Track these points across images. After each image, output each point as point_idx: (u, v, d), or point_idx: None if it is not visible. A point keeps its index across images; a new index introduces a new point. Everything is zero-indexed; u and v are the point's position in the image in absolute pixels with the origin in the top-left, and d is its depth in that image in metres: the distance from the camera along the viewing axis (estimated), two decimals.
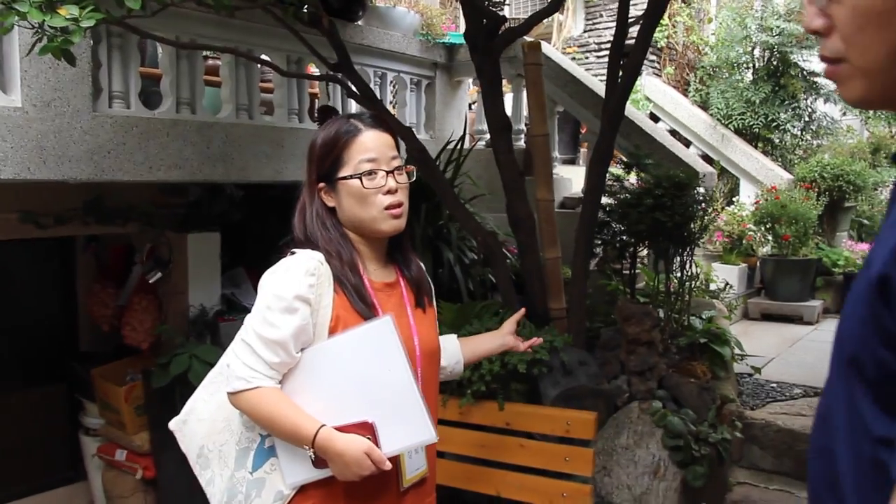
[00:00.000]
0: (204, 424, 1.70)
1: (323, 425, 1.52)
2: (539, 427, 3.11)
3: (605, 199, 4.03)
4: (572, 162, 8.18)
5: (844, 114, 8.96)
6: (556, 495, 2.96)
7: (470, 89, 6.92)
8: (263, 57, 4.28)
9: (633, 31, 3.72)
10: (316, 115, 4.00)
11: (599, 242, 4.20)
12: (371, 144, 1.63)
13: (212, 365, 3.72)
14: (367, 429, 1.54)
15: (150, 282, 4.16)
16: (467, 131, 5.49)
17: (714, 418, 3.56)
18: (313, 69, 5.35)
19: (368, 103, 3.80)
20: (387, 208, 1.62)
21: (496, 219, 4.45)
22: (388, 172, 1.63)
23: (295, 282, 1.53)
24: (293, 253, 1.60)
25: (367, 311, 1.60)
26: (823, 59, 0.85)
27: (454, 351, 1.99)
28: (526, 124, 6.09)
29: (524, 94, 6.11)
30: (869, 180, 7.48)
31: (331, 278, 1.58)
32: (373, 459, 1.51)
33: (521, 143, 5.88)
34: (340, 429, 1.53)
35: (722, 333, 4.00)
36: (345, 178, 1.61)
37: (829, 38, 0.82)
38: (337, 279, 1.59)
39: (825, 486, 0.89)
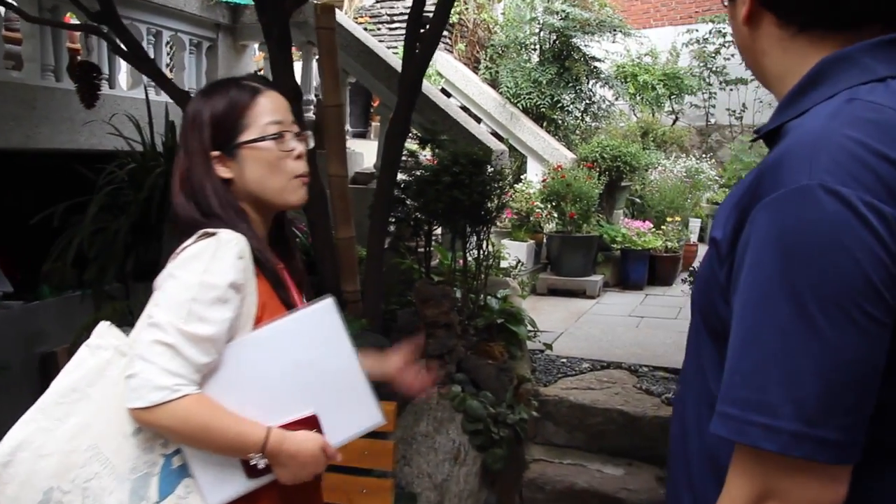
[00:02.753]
0: (51, 460, 1.35)
1: (270, 427, 1.36)
2: None
3: (399, 176, 3.87)
4: (363, 136, 7.98)
5: (617, 99, 9.47)
6: (355, 492, 2.75)
7: (256, 55, 6.47)
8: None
9: (430, 3, 3.58)
10: (75, 71, 3.45)
11: (393, 220, 4.03)
12: (273, 106, 1.47)
13: None
14: (311, 423, 1.41)
15: None
16: None
17: (512, 399, 3.53)
18: (73, 21, 4.70)
19: (138, 62, 3.34)
20: (297, 177, 1.47)
21: None
22: (295, 135, 1.48)
23: (227, 267, 1.33)
24: (208, 234, 1.36)
25: (287, 297, 1.46)
26: None
27: None
28: (316, 94, 5.79)
29: (314, 62, 5.82)
30: (642, 161, 7.95)
31: (252, 261, 1.39)
32: (327, 454, 1.41)
33: (311, 115, 5.57)
34: (286, 427, 1.39)
35: (517, 312, 3.99)
36: (251, 141, 1.43)
37: None
38: (258, 262, 1.40)
39: (678, 430, 1.05)
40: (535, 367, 4.42)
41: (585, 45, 8.61)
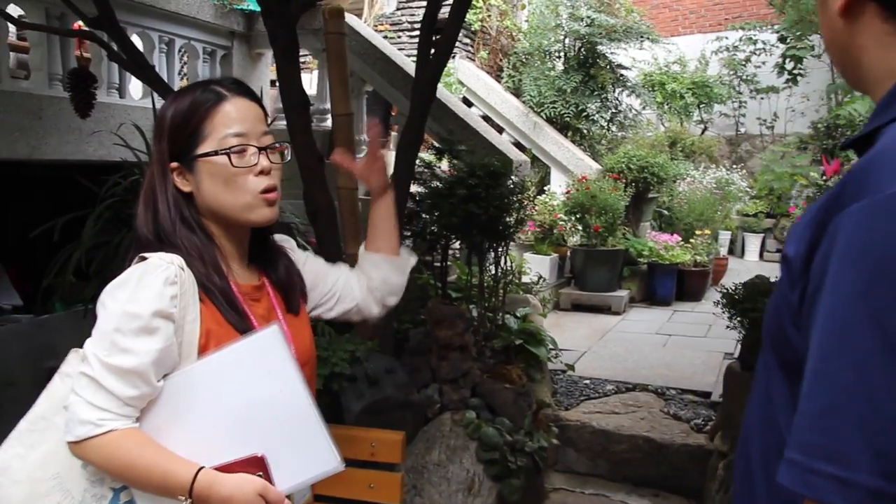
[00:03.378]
0: (21, 488, 1.31)
1: (202, 468, 1.24)
2: (341, 451, 2.70)
3: (415, 188, 3.69)
4: (382, 146, 7.82)
5: (644, 108, 9.23)
6: None
7: (272, 64, 6.35)
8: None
9: (444, 9, 3.42)
10: (66, 79, 3.32)
11: (409, 234, 3.85)
12: (238, 115, 1.34)
13: None
14: (256, 464, 1.27)
15: None
16: (270, 109, 5.00)
17: (530, 425, 3.32)
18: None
19: (137, 70, 3.20)
20: (260, 193, 1.34)
21: (294, 206, 3.99)
22: (259, 150, 1.35)
23: (152, 295, 1.24)
24: (143, 258, 1.29)
25: (240, 321, 1.34)
26: None
27: (371, 268, 1.68)
28: None
29: None
30: (670, 172, 7.71)
31: (195, 286, 1.30)
32: (268, 501, 1.25)
33: (329, 125, 5.43)
34: (223, 468, 1.26)
35: (537, 332, 3.79)
36: (206, 154, 1.32)
37: None
38: (202, 286, 1.31)
39: (742, 480, 0.92)
40: (557, 388, 4.21)
41: (611, 53, 8.39)
